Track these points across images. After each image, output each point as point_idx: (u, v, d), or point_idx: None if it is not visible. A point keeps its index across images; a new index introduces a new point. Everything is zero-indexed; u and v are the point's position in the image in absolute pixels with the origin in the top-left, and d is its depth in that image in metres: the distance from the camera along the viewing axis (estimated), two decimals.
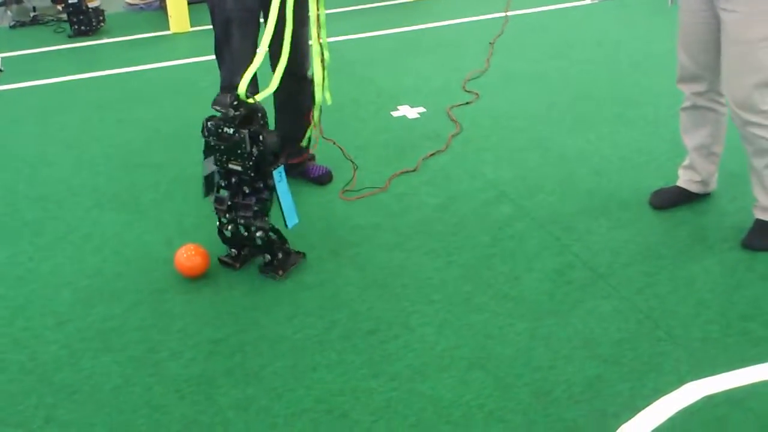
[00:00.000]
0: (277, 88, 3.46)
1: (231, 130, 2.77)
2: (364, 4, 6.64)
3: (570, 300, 2.75)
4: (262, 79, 3.35)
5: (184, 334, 2.68)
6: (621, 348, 2.50)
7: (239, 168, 2.84)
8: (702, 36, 2.93)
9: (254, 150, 2.79)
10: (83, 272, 3.05)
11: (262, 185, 2.88)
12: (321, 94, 3.13)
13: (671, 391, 2.33)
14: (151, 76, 5.21)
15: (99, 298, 2.89)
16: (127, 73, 5.27)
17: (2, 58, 5.63)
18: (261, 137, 2.78)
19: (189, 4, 6.16)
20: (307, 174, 3.65)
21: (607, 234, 3.12)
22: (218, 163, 2.88)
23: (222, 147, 2.82)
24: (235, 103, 2.76)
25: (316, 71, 3.11)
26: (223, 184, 2.93)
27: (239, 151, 2.79)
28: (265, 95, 2.85)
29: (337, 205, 3.45)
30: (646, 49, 5.14)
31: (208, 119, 2.84)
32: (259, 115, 2.82)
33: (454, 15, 6.17)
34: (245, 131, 2.76)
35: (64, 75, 5.24)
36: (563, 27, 5.74)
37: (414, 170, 3.71)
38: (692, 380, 2.37)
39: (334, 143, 3.60)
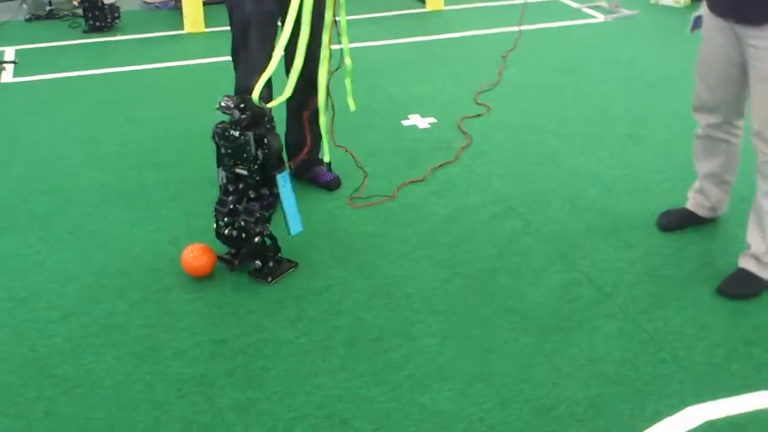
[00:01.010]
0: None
1: (237, 133, 2.79)
2: (380, 11, 6.65)
3: (575, 317, 2.74)
4: (277, 84, 3.37)
5: (188, 334, 2.68)
6: (624, 368, 2.50)
7: (245, 172, 2.85)
8: (723, 70, 2.89)
9: (259, 153, 2.80)
10: (89, 268, 3.05)
11: (267, 191, 2.89)
12: (324, 99, 3.13)
13: (673, 414, 2.32)
14: (163, 74, 5.22)
15: (104, 294, 2.90)
16: (140, 70, 5.28)
17: (17, 50, 5.65)
18: (266, 140, 2.79)
19: (204, 4, 6.18)
20: (316, 179, 3.65)
21: (614, 253, 3.11)
22: (226, 168, 2.89)
23: (229, 150, 2.83)
24: (241, 105, 2.77)
25: (321, 76, 3.11)
26: (231, 189, 2.93)
27: (245, 155, 2.80)
28: (279, 102, 2.85)
29: (345, 211, 3.45)
30: (660, 69, 5.14)
31: (218, 124, 2.85)
32: (266, 119, 2.83)
33: (468, 27, 6.18)
34: (250, 133, 2.77)
35: (78, 70, 5.26)
36: (576, 44, 5.75)
37: (423, 180, 3.71)
38: (694, 404, 2.36)
39: (346, 150, 3.60)
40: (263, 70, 2.91)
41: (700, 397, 2.38)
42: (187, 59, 5.49)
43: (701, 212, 3.23)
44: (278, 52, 2.85)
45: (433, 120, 4.39)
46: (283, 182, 2.87)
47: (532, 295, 2.87)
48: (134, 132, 4.29)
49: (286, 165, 3.58)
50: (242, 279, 2.97)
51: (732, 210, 3.31)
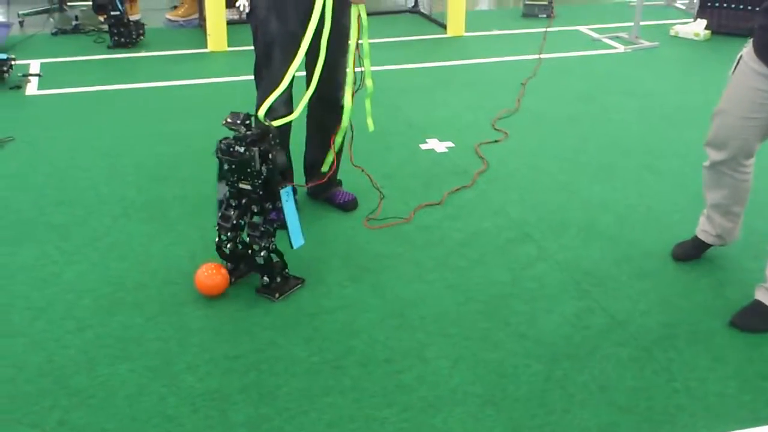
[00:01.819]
0: (310, 112, 3.54)
1: (242, 149, 2.83)
2: (402, 36, 6.71)
3: (587, 345, 2.75)
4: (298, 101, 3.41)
5: (202, 349, 2.70)
6: (636, 397, 2.50)
7: (249, 187, 2.89)
8: (749, 115, 2.85)
9: (263, 169, 2.84)
10: (106, 280, 3.09)
11: (270, 206, 2.92)
12: (348, 119, 3.19)
13: None
14: (186, 91, 5.29)
15: (120, 306, 2.93)
16: (162, 87, 5.35)
17: (42, 63, 5.73)
18: (270, 156, 2.84)
19: (228, 24, 6.26)
20: (333, 200, 3.68)
21: (628, 282, 3.12)
22: (229, 183, 2.93)
23: (233, 166, 2.87)
24: (247, 122, 2.82)
25: (347, 99, 3.17)
26: (233, 204, 2.97)
27: (249, 170, 2.84)
28: (285, 122, 2.90)
29: (361, 232, 3.48)
30: (677, 101, 5.16)
31: (222, 140, 2.90)
32: (271, 136, 2.87)
33: (489, 54, 6.22)
34: (255, 149, 2.81)
35: (101, 84, 5.33)
36: (595, 73, 5.77)
37: (439, 203, 3.73)
38: None
39: (363, 170, 3.63)
40: (284, 89, 2.96)
41: (711, 429, 2.38)
42: (209, 77, 5.55)
43: (708, 240, 3.23)
44: (290, 73, 2.90)
45: (450, 144, 4.42)
46: (286, 197, 2.92)
47: (546, 322, 2.88)
48: (155, 146, 4.34)
49: (303, 181, 3.64)
50: (256, 296, 2.99)
51: (745, 243, 3.32)
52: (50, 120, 4.72)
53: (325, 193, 3.69)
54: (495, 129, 4.64)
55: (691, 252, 3.26)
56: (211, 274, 2.96)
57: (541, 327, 2.84)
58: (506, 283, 3.11)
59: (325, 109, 3.37)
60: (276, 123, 2.87)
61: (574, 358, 2.67)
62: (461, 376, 2.59)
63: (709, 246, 3.25)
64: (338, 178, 3.72)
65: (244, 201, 2.95)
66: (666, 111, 4.98)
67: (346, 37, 3.23)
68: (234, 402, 2.45)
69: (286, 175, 2.93)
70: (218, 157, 2.91)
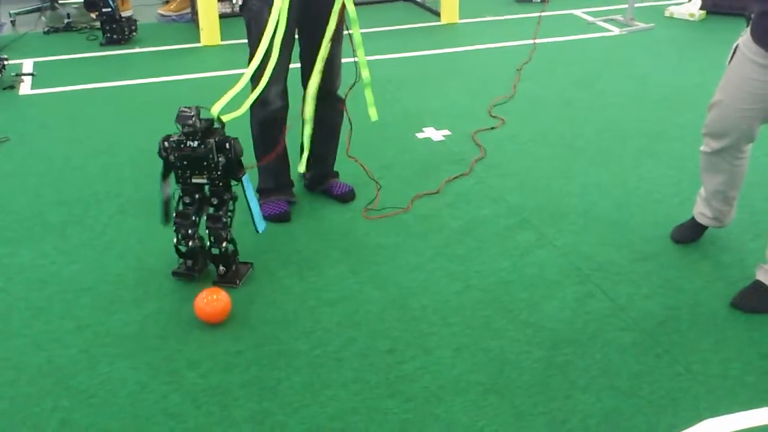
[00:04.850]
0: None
1: (196, 143, 2.81)
2: (395, 25, 6.68)
3: (589, 330, 2.74)
4: (293, 93, 3.40)
5: (202, 345, 2.69)
6: (639, 381, 2.49)
7: (204, 180, 2.88)
8: (751, 105, 2.80)
9: (221, 159, 2.83)
10: (105, 278, 3.07)
11: (227, 196, 2.93)
12: (311, 111, 3.22)
13: (688, 427, 2.31)
14: (180, 87, 5.26)
15: (119, 304, 2.92)
16: (156, 82, 5.33)
17: (35, 62, 5.71)
18: (228, 145, 2.84)
19: (220, 17, 6.23)
20: (331, 191, 3.66)
21: (628, 266, 3.11)
22: (180, 180, 2.91)
23: (185, 162, 2.85)
24: (199, 116, 2.82)
25: (310, 88, 3.17)
26: (187, 201, 2.95)
27: (206, 163, 2.83)
28: (233, 117, 2.88)
29: (359, 223, 3.46)
30: (674, 82, 5.14)
31: (165, 138, 2.88)
32: (219, 126, 2.87)
33: (483, 40, 6.20)
34: (212, 141, 2.80)
35: (95, 82, 5.31)
36: (591, 57, 5.75)
37: (437, 192, 3.72)
38: (710, 417, 2.35)
39: (356, 161, 3.61)
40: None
41: (715, 411, 2.37)
42: (203, 72, 5.53)
43: (705, 222, 3.21)
44: (257, 58, 2.91)
45: (447, 132, 4.41)
46: (247, 184, 2.93)
47: (546, 308, 2.87)
48: (150, 142, 4.26)
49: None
50: (255, 291, 2.98)
51: (746, 223, 3.31)
52: (45, 119, 4.70)
53: (322, 185, 3.68)
54: (491, 116, 4.62)
55: (690, 234, 3.26)
56: (211, 300, 2.78)
57: (542, 313, 2.84)
58: (506, 270, 3.10)
59: (322, 102, 3.33)
60: (225, 118, 2.85)
61: (575, 344, 2.67)
62: (463, 365, 2.58)
63: (706, 227, 3.24)
64: (335, 169, 3.70)
65: (197, 196, 2.93)
66: (663, 93, 4.95)
67: (338, 27, 3.21)
68: (236, 397, 2.45)
69: (241, 162, 2.92)
70: (163, 157, 2.90)
